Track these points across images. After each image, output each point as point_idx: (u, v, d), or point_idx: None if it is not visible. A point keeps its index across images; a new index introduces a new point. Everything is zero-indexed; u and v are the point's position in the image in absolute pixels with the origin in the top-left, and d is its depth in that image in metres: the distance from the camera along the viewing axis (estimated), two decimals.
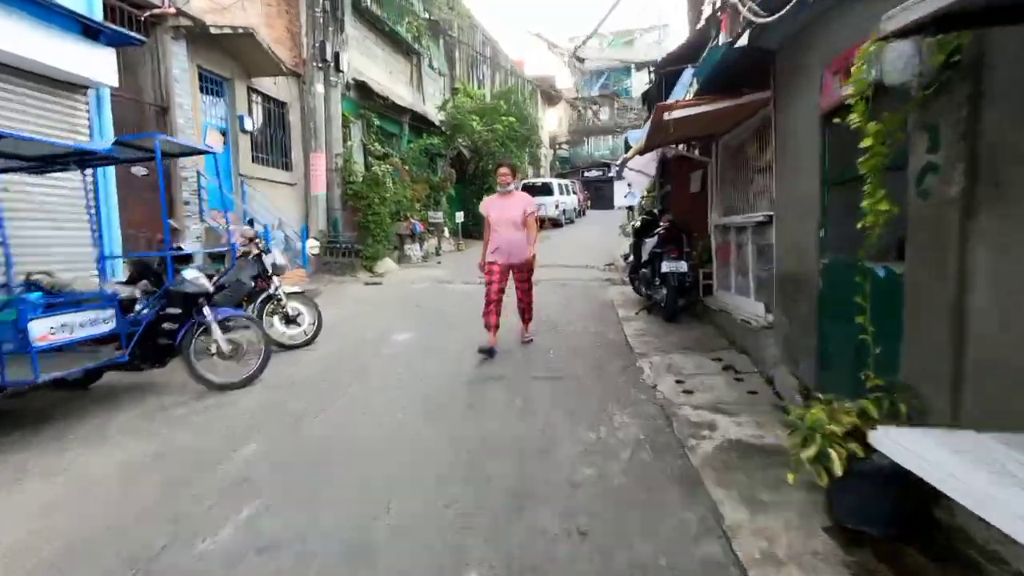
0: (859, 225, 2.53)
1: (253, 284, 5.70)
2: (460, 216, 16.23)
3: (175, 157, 6.69)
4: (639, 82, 38.83)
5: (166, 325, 4.40)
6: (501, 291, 5.28)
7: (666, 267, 5.97)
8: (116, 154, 4.49)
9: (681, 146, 11.19)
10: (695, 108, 4.39)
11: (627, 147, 8.08)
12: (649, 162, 10.69)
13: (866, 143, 2.41)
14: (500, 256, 5.31)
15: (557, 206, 22.68)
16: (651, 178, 11.04)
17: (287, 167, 11.05)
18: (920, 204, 2.52)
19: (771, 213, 4.62)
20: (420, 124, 15.78)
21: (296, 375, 4.86)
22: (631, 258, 7.83)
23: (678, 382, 4.32)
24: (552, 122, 35.90)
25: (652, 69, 7.22)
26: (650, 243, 6.50)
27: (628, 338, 5.73)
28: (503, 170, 5.41)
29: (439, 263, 13.19)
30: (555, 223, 22.74)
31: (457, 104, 16.95)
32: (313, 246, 10.95)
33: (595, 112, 33.39)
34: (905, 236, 2.65)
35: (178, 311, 4.43)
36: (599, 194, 38.05)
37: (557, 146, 37.83)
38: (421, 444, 3.41)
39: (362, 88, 13.04)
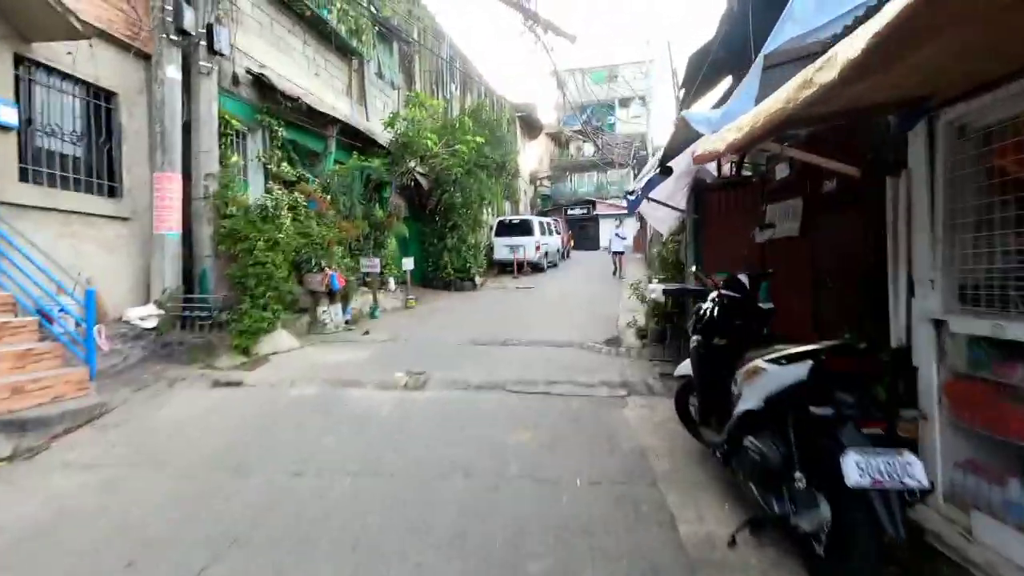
0: None
1: None
2: (408, 263, 12.28)
3: None
4: (623, 118, 36.43)
5: None
6: None
7: (856, 474, 1.99)
8: None
9: (725, 165, 7.48)
10: None
11: (665, 159, 4.07)
12: (677, 190, 6.92)
13: None
14: None
15: (538, 247, 19.01)
16: (680, 214, 7.22)
17: (112, 192, 7.01)
18: None
19: None
20: (359, 143, 11.97)
21: None
22: (691, 375, 3.77)
23: None
24: (533, 158, 32.70)
25: None
26: (778, 376, 2.48)
27: None
28: None
29: (366, 333, 9.08)
30: (535, 267, 19.05)
31: (408, 117, 13.16)
32: (145, 316, 6.87)
33: (584, 139, 30.53)
34: None
35: None
36: (583, 233, 35.14)
37: (538, 183, 34.69)
38: None
39: (262, 85, 9.23)
